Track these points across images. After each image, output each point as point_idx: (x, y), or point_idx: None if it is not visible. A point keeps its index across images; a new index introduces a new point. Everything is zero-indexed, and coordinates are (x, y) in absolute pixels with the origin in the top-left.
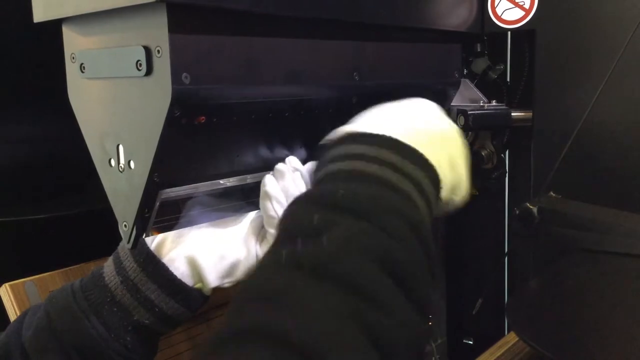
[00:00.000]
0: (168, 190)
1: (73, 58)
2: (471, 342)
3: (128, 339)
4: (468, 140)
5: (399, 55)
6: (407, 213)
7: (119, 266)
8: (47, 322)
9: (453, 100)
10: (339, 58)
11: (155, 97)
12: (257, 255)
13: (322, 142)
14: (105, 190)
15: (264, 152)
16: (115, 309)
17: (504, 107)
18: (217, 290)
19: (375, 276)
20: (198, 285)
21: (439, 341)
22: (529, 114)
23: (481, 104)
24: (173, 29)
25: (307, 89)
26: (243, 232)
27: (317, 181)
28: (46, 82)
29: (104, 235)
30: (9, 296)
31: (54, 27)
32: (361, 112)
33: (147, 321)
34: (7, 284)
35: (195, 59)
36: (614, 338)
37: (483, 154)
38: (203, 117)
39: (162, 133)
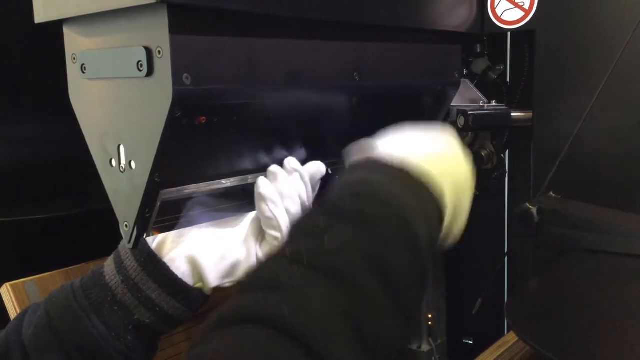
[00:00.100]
0: (169, 190)
1: (74, 59)
2: (471, 342)
3: (129, 338)
4: (468, 141)
5: (399, 56)
6: (409, 232)
7: (119, 265)
8: (47, 321)
9: (453, 101)
10: (339, 59)
11: (156, 98)
12: (257, 256)
13: (345, 152)
14: (106, 190)
15: (264, 152)
16: (115, 308)
17: (503, 107)
18: (217, 290)
19: (368, 278)
20: (198, 285)
21: (439, 341)
22: (529, 114)
23: (481, 104)
24: (174, 29)
25: (307, 89)
26: (243, 232)
27: (331, 197)
28: (46, 82)
29: (105, 235)
30: (10, 296)
31: (54, 28)
32: (386, 128)
33: (147, 320)
34: (7, 284)
35: (196, 60)
36: (613, 338)
37: (483, 154)
38: (204, 118)
39: (163, 133)
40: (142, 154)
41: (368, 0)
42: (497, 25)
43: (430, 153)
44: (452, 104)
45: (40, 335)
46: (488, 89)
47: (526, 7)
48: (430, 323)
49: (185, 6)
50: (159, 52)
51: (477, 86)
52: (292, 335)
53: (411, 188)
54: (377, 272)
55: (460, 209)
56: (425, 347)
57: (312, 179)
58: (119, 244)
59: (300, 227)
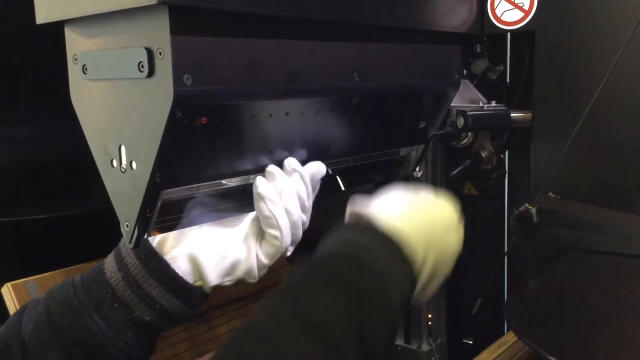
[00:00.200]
0: (169, 190)
1: (75, 59)
2: (471, 342)
3: (128, 334)
4: (468, 141)
5: (399, 57)
6: (389, 303)
7: (120, 262)
8: (47, 317)
9: (453, 101)
10: (340, 59)
11: (157, 98)
12: (257, 255)
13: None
14: (108, 190)
15: (264, 152)
16: (116, 305)
17: (503, 107)
18: (217, 290)
19: (349, 344)
20: (198, 283)
21: (439, 341)
22: (529, 115)
23: (481, 105)
24: (175, 30)
25: (307, 89)
26: (243, 232)
27: (328, 252)
28: (46, 82)
29: (105, 235)
30: (11, 296)
31: (55, 28)
32: (380, 190)
33: (147, 317)
34: (8, 284)
35: (196, 61)
36: (611, 338)
37: (483, 154)
38: (204, 118)
39: (163, 134)
40: (143, 154)
41: (368, 0)
42: (496, 26)
43: (421, 221)
44: (451, 105)
45: (40, 331)
46: (488, 89)
47: (526, 7)
48: (430, 323)
49: (186, 7)
50: (160, 53)
51: (476, 87)
52: None
53: (395, 256)
54: (358, 339)
55: (438, 273)
56: (425, 347)
57: (312, 179)
58: (119, 243)
59: (295, 280)
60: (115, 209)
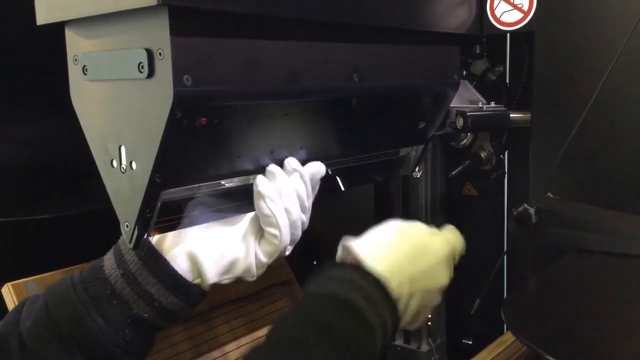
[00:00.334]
0: (169, 190)
1: (76, 60)
2: (470, 342)
3: (127, 332)
4: (467, 142)
5: (398, 57)
6: (375, 351)
7: (119, 259)
8: (46, 313)
9: (452, 102)
10: (339, 60)
11: (157, 99)
12: (255, 253)
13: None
14: (108, 190)
15: (264, 153)
16: (115, 302)
17: (502, 108)
18: (217, 290)
19: None
20: (197, 281)
21: (439, 341)
22: (528, 115)
23: (480, 105)
24: (175, 31)
25: (307, 90)
26: (242, 230)
27: (312, 293)
28: (46, 82)
29: (105, 235)
30: (11, 296)
31: (55, 29)
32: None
33: (146, 315)
34: (9, 284)
35: (196, 61)
36: (610, 338)
37: (482, 155)
38: (204, 119)
39: (163, 134)
40: (143, 154)
41: (367, 1)
42: (496, 27)
43: (409, 259)
44: (451, 105)
45: (39, 327)
46: (487, 90)
47: (525, 8)
48: (429, 323)
49: (185, 8)
50: (160, 53)
51: (476, 87)
52: None
53: (381, 297)
54: None
55: (427, 304)
56: (424, 347)
57: (312, 179)
58: (118, 240)
59: (281, 335)
60: (115, 209)
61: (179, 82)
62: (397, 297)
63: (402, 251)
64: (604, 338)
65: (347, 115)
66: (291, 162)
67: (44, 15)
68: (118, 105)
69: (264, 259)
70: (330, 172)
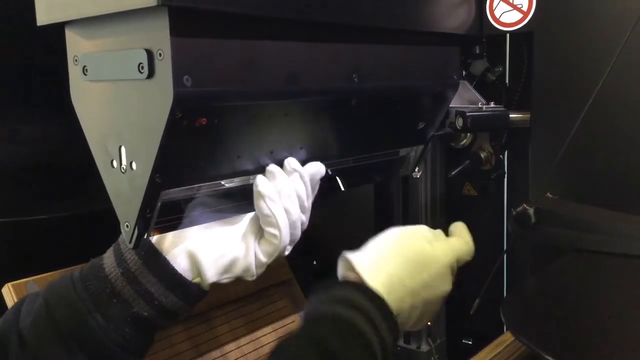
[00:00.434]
0: (169, 190)
1: (76, 60)
2: (470, 342)
3: (126, 330)
4: (467, 142)
5: (398, 58)
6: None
7: (119, 258)
8: (45, 311)
9: (452, 102)
10: (339, 60)
11: (157, 100)
12: (255, 253)
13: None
14: (108, 191)
15: (264, 153)
16: (114, 300)
17: (502, 108)
18: (217, 290)
19: None
20: (197, 280)
21: (438, 341)
22: (527, 116)
23: (480, 106)
24: (175, 32)
25: (307, 90)
26: (242, 230)
27: (314, 314)
28: (47, 83)
29: (105, 236)
30: (11, 296)
31: (56, 29)
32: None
33: (145, 314)
34: (9, 284)
35: (196, 62)
36: (609, 338)
37: (482, 155)
38: (204, 119)
39: (163, 135)
40: (143, 155)
41: (367, 2)
42: (495, 27)
43: (410, 270)
44: (450, 105)
45: (39, 325)
46: (487, 90)
47: (524, 9)
48: (429, 323)
49: (185, 9)
50: (160, 54)
51: (475, 87)
52: None
53: (383, 318)
54: None
55: (428, 311)
56: (424, 347)
57: (312, 180)
58: (118, 239)
59: (292, 355)
60: (115, 209)
61: (179, 83)
62: (398, 311)
63: (403, 264)
64: (604, 338)
65: (346, 116)
66: (291, 162)
67: (44, 15)
68: (118, 106)
69: (263, 258)
70: (330, 172)
